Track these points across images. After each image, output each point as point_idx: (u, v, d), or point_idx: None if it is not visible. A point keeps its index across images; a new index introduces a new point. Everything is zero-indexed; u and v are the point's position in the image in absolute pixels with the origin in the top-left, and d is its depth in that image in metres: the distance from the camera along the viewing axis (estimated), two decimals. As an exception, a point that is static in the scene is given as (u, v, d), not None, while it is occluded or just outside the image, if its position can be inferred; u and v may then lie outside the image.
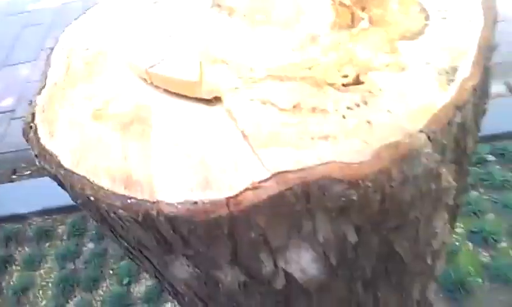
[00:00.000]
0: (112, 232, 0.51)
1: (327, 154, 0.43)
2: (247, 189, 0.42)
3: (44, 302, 2.46)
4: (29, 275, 2.55)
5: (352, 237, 0.48)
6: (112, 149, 0.48)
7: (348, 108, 0.47)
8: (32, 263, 2.58)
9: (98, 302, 2.45)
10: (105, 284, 2.51)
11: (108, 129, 0.50)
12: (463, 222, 2.47)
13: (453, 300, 2.28)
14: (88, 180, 0.45)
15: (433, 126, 0.45)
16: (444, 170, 0.50)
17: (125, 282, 2.48)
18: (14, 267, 2.60)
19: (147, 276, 2.51)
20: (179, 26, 0.60)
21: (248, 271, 0.49)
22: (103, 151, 0.48)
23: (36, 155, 0.50)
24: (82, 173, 0.46)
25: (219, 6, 0.62)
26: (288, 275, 0.50)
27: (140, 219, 0.42)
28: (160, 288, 0.72)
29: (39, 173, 3.06)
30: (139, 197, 0.43)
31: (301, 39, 0.54)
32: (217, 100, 0.51)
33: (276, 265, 0.48)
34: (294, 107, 0.48)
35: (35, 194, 2.77)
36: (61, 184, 0.48)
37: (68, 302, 2.45)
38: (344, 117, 0.46)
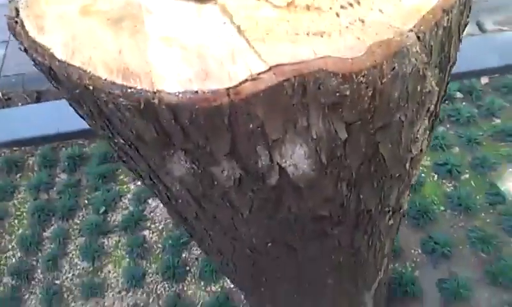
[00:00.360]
0: (109, 128, 0.52)
1: (322, 49, 0.45)
2: (246, 80, 0.43)
3: (20, 231, 2.47)
4: (2, 205, 2.54)
5: (343, 134, 0.51)
6: (105, 43, 0.48)
7: (342, 7, 0.48)
8: (4, 194, 2.57)
9: (76, 231, 2.48)
10: (81, 214, 2.53)
11: (99, 24, 0.49)
12: (429, 155, 2.59)
13: (418, 227, 2.43)
14: (85, 71, 0.45)
15: (422, 27, 0.47)
16: (429, 73, 0.52)
17: (101, 211, 2.52)
18: (-14, 197, 2.57)
19: (123, 205, 2.54)
20: None
21: (244, 166, 0.51)
22: (96, 45, 0.48)
23: (25, 49, 0.49)
24: (77, 64, 0.46)
25: None
26: (282, 170, 0.53)
27: (142, 106, 0.43)
28: (154, 193, 0.74)
29: (6, 103, 2.96)
30: (138, 87, 0.44)
31: None
32: (208, -2, 0.50)
33: (271, 160, 0.51)
34: (288, 4, 0.48)
35: (2, 125, 2.69)
36: (54, 77, 0.48)
37: (44, 231, 2.47)
38: (337, 15, 0.48)
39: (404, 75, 0.48)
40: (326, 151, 0.53)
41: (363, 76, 0.45)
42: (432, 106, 0.59)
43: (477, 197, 2.44)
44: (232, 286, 2.30)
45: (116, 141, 0.56)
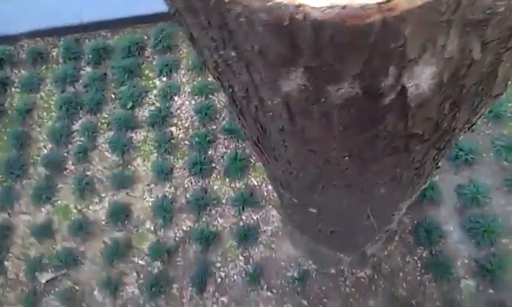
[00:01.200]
0: (223, 41, 0.48)
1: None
2: (399, -4, 0.39)
3: (50, 123, 2.50)
4: (30, 97, 2.54)
5: (477, 54, 0.48)
6: None
7: None
8: (31, 86, 2.55)
9: (104, 125, 2.51)
10: (108, 108, 2.54)
11: None
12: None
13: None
14: (220, -21, 0.41)
15: None
16: None
17: (128, 106, 2.52)
18: (13, 89, 2.57)
19: (149, 101, 2.54)
20: None
21: (366, 85, 0.49)
22: None
23: None
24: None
25: None
26: (402, 90, 0.50)
27: (286, 23, 0.40)
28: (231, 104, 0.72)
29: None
30: (278, 0, 0.40)
31: None
32: None
33: (398, 80, 0.48)
34: None
35: (24, 15, 2.59)
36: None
37: (73, 124, 2.50)
38: None
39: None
40: (450, 71, 0.50)
41: (524, -6, 0.41)
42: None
43: (509, 104, 2.40)
44: (256, 183, 2.38)
45: (221, 53, 0.53)
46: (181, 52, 2.58)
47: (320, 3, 0.40)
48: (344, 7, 0.39)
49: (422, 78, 0.49)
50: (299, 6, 0.40)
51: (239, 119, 0.85)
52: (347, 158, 0.78)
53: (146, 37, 2.59)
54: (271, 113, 0.64)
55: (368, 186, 1.05)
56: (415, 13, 0.40)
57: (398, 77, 0.47)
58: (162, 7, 2.49)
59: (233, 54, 0.50)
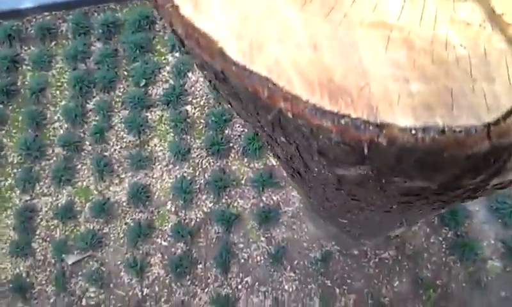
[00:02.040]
0: (272, 129, 0.40)
1: None
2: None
3: (64, 102, 2.43)
4: (41, 75, 2.46)
5: None
6: (292, 30, 0.33)
7: None
8: (42, 64, 2.47)
9: (118, 104, 2.43)
10: (121, 86, 2.45)
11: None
12: None
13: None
14: (278, 87, 0.32)
15: None
16: None
17: (142, 84, 2.43)
18: (24, 67, 2.49)
19: (163, 78, 2.44)
20: None
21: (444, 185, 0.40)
22: (281, 33, 0.33)
23: (180, 39, 0.34)
24: (261, 72, 0.32)
25: None
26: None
27: (365, 150, 0.31)
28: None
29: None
30: (352, 115, 0.31)
31: None
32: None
33: (486, 182, 0.39)
34: None
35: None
36: (222, 78, 0.35)
37: (87, 103, 2.43)
38: None
39: None
40: None
41: None
42: None
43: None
44: (275, 163, 2.32)
45: (268, 133, 0.44)
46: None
47: (408, 121, 0.31)
48: (443, 131, 0.30)
49: None
50: (382, 125, 0.31)
51: (271, 151, 0.77)
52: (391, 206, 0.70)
53: (154, 10, 2.45)
54: (315, 175, 0.56)
55: (407, 211, 0.98)
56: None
57: (487, 180, 0.39)
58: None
59: (283, 139, 0.42)
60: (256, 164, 2.31)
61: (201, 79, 2.42)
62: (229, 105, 0.45)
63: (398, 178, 0.42)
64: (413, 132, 0.30)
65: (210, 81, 0.41)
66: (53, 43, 2.50)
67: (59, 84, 2.46)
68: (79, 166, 2.37)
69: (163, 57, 2.47)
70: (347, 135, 0.31)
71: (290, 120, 0.33)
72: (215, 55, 0.33)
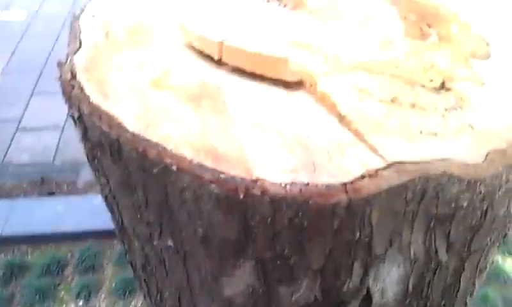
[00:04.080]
0: (161, 225, 0.41)
1: (441, 150, 0.39)
2: (363, 176, 0.36)
3: None
4: None
5: (443, 255, 0.43)
6: (186, 120, 0.40)
7: (446, 109, 0.44)
8: None
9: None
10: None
11: (176, 99, 0.42)
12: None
13: None
14: (166, 148, 0.36)
15: (531, 140, 0.44)
16: (524, 190, 0.48)
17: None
18: None
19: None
20: (240, 12, 0.54)
21: (327, 286, 0.41)
22: (176, 120, 0.39)
23: (79, 116, 0.39)
24: (155, 140, 0.37)
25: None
26: (367, 295, 0.43)
27: (241, 197, 0.34)
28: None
29: None
30: (231, 173, 0.35)
31: (380, 40, 0.51)
32: (298, 84, 0.45)
33: (362, 281, 0.41)
34: (393, 100, 0.44)
35: None
36: (115, 151, 0.38)
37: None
38: (444, 117, 0.43)
39: (510, 191, 0.43)
40: (417, 275, 0.45)
41: (485, 185, 0.39)
42: (508, 230, 0.54)
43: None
44: None
45: (156, 243, 0.45)
46: (105, 273, 2.39)
47: (279, 178, 0.35)
48: (307, 184, 0.35)
49: (388, 283, 0.43)
50: (256, 180, 0.35)
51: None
52: None
53: (70, 255, 2.41)
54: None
55: None
56: (381, 197, 0.36)
57: (363, 276, 0.41)
58: (91, 225, 2.38)
59: (170, 243, 0.42)
60: None
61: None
62: (105, 182, 0.46)
63: (284, 287, 0.42)
64: (283, 185, 0.35)
65: (94, 156, 0.43)
66: None
67: None
68: None
69: (64, 306, 2.29)
70: (226, 186, 0.34)
71: (176, 186, 0.36)
72: (113, 126, 0.37)
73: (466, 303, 0.60)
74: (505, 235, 0.56)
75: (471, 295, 0.61)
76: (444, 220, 0.41)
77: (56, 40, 3.00)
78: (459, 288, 0.52)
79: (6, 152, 2.55)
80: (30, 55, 2.99)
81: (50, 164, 2.57)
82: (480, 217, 0.43)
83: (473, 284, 0.58)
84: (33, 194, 2.55)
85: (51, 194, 2.50)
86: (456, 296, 0.54)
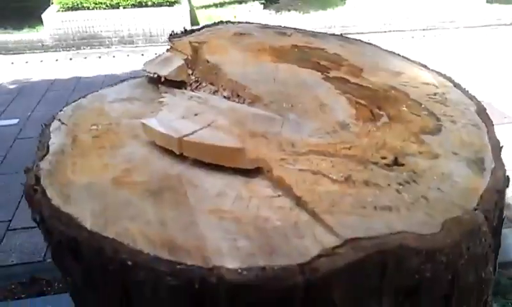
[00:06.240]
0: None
1: (396, 224, 0.40)
2: (320, 256, 0.37)
3: None
4: None
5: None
6: (145, 215, 0.41)
7: (399, 184, 0.46)
8: None
9: None
10: None
11: (136, 196, 0.43)
12: None
13: None
14: (122, 243, 0.37)
15: (485, 206, 0.45)
16: (491, 257, 0.48)
17: None
18: None
19: None
20: (197, 109, 0.58)
21: None
22: (134, 216, 0.40)
23: (41, 219, 0.40)
24: (112, 236, 0.37)
25: (237, 95, 0.62)
26: None
27: (196, 286, 0.34)
28: None
29: None
30: (188, 263, 0.35)
31: (332, 125, 0.54)
32: (256, 171, 0.47)
33: None
34: (346, 179, 0.45)
35: None
36: (75, 251, 0.38)
37: None
38: (398, 191, 0.45)
39: (476, 256, 0.44)
40: None
41: (445, 254, 0.40)
42: (488, 296, 0.53)
43: None
44: None
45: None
46: None
47: (235, 264, 0.36)
48: (264, 268, 0.35)
49: None
50: (212, 268, 0.35)
51: None
52: None
53: None
54: None
55: None
56: (339, 275, 0.36)
57: None
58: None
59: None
60: None
61: None
62: (70, 281, 0.45)
63: None
64: (239, 270, 0.35)
65: (56, 256, 0.43)
66: None
67: None
68: None
69: None
70: (182, 278, 0.35)
71: (134, 281, 0.36)
72: (71, 226, 0.38)
73: None
74: (486, 301, 0.55)
75: None
76: (411, 293, 0.41)
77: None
78: None
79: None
80: (22, 158, 3.05)
81: (40, 263, 2.50)
82: (448, 286, 0.43)
83: None
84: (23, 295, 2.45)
85: (41, 294, 2.41)
86: None
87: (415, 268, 0.39)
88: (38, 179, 0.45)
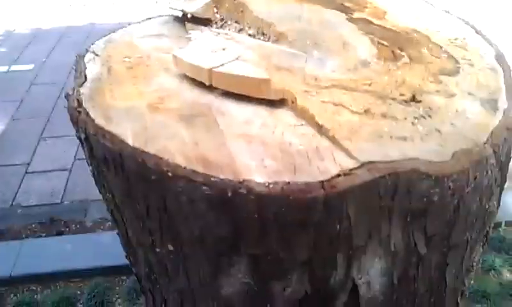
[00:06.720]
0: (161, 230, 0.45)
1: (409, 152, 0.44)
2: (339, 175, 0.41)
3: None
4: None
5: (422, 248, 0.47)
6: (180, 135, 0.45)
7: (415, 118, 0.49)
8: None
9: None
10: None
11: (171, 119, 0.47)
12: None
13: None
14: (163, 158, 0.41)
15: (495, 141, 0.48)
16: (496, 191, 0.52)
17: None
18: None
19: None
20: (225, 44, 0.60)
21: (316, 279, 0.45)
22: (170, 136, 0.45)
23: (86, 137, 0.45)
24: (152, 152, 0.42)
25: (263, 33, 0.64)
26: (354, 289, 0.46)
27: (229, 195, 0.38)
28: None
29: None
30: (220, 177, 0.40)
31: (354, 63, 0.57)
32: (281, 103, 0.50)
33: (347, 274, 0.45)
34: (366, 111, 0.49)
35: None
36: (118, 165, 0.43)
37: None
38: (413, 124, 0.48)
39: (482, 187, 0.47)
40: (399, 270, 0.48)
41: (453, 181, 0.44)
42: (489, 230, 0.57)
43: None
44: None
45: (158, 250, 0.49)
46: (115, 308, 2.38)
47: (263, 179, 0.40)
48: (288, 183, 0.39)
49: (373, 274, 0.46)
50: (243, 181, 0.39)
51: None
52: None
53: (79, 292, 2.41)
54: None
55: None
56: (355, 192, 0.40)
57: (347, 268, 0.45)
58: (100, 262, 2.39)
59: (170, 247, 0.47)
60: None
61: None
62: (110, 197, 0.50)
63: (277, 282, 0.46)
64: (266, 184, 0.39)
65: (99, 173, 0.48)
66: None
67: None
68: None
69: (75, 349, 2.27)
70: (216, 188, 0.39)
71: (172, 191, 0.41)
72: (116, 143, 0.43)
73: (458, 303, 0.63)
74: (487, 234, 0.60)
75: (462, 294, 0.63)
76: (419, 215, 0.45)
77: (62, 88, 3.13)
78: (446, 284, 0.55)
79: (15, 195, 2.59)
80: (37, 103, 3.11)
81: (58, 205, 2.61)
82: (454, 211, 0.46)
83: (463, 283, 0.61)
84: (42, 234, 2.59)
85: (60, 234, 2.54)
86: (445, 293, 0.56)
87: (424, 191, 0.43)
88: (80, 102, 0.49)
